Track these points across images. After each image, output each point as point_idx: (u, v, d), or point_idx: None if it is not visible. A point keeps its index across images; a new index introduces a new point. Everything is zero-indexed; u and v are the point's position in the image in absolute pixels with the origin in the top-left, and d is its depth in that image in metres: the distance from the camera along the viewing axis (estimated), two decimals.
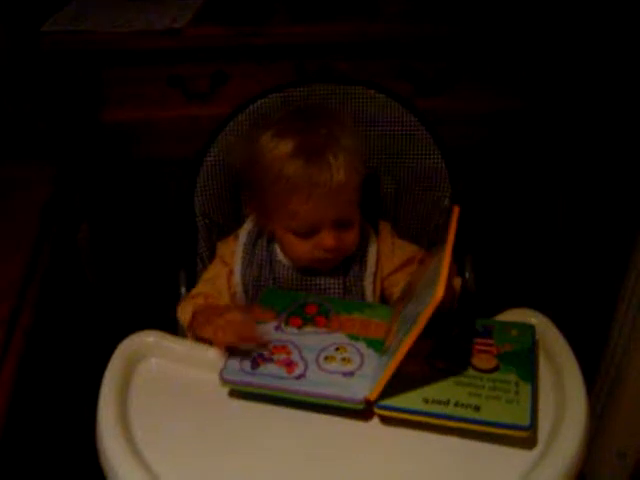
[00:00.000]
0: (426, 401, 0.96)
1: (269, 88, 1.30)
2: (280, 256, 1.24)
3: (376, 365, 1.03)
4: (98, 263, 1.80)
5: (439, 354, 1.05)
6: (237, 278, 1.24)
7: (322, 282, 1.23)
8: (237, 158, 1.25)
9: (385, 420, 0.98)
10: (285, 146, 1.13)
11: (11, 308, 1.24)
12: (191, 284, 1.28)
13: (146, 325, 1.10)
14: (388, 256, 1.27)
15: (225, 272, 1.25)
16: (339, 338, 1.09)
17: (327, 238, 1.15)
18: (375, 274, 1.25)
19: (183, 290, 1.28)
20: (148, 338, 1.08)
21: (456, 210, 1.10)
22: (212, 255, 1.30)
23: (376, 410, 0.97)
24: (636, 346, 1.50)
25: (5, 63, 1.64)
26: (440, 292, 0.91)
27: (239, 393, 1.02)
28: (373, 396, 0.97)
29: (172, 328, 1.20)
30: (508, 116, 1.67)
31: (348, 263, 1.24)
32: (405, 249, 1.29)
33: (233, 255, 1.25)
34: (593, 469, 1.62)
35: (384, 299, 1.27)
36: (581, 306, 1.66)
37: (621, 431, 1.57)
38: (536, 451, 0.94)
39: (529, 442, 0.94)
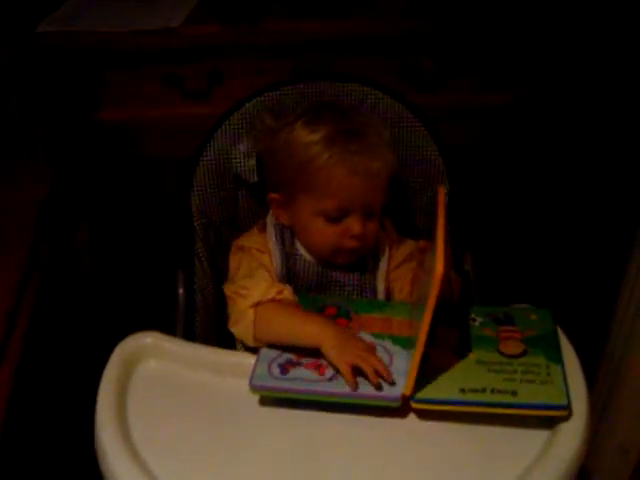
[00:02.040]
0: (463, 391, 0.97)
1: (265, 86, 1.29)
2: (301, 250, 1.24)
3: (405, 360, 1.03)
4: (96, 263, 1.80)
5: (466, 344, 1.05)
6: (277, 263, 1.23)
7: (340, 278, 1.24)
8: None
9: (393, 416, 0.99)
10: (323, 130, 1.14)
11: (9, 309, 1.24)
12: (189, 284, 1.27)
13: (144, 326, 1.10)
14: (393, 252, 1.28)
15: (266, 258, 1.23)
16: (364, 337, 1.09)
17: (355, 224, 1.16)
18: (387, 270, 1.26)
19: (181, 291, 1.27)
20: (146, 339, 1.07)
21: (442, 190, 1.10)
22: (210, 255, 1.30)
23: (413, 404, 0.97)
24: (637, 341, 1.50)
25: (1, 63, 1.63)
26: (440, 267, 0.91)
27: (237, 394, 1.01)
28: (407, 391, 0.97)
29: (170, 329, 1.20)
30: (506, 111, 1.67)
31: (363, 259, 1.24)
32: (406, 244, 1.30)
33: (266, 244, 1.24)
34: (595, 465, 1.62)
35: (388, 294, 1.27)
36: (581, 302, 1.66)
37: (623, 427, 1.57)
38: (538, 447, 0.94)
39: (531, 437, 0.95)
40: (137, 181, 1.73)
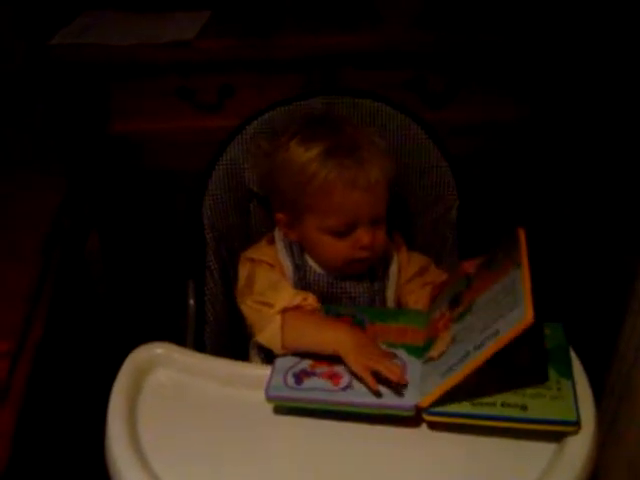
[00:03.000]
0: (473, 404, 0.97)
1: (277, 101, 1.30)
2: (311, 262, 1.24)
3: (419, 371, 1.04)
4: (107, 274, 1.81)
5: None
6: (289, 275, 1.23)
7: (351, 288, 1.24)
8: (259, 170, 1.27)
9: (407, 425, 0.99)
10: (317, 147, 1.15)
11: (21, 319, 1.25)
12: (200, 295, 1.28)
13: (155, 336, 1.10)
14: (404, 265, 1.29)
15: (278, 271, 1.23)
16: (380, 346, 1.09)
17: (364, 235, 1.16)
18: (397, 283, 1.27)
19: (192, 301, 1.28)
20: (157, 350, 1.08)
21: (522, 232, 1.10)
22: (221, 266, 1.30)
23: (425, 416, 0.98)
24: None
25: (17, 75, 1.65)
26: (530, 316, 0.92)
27: (248, 405, 1.02)
28: (426, 403, 0.97)
29: (181, 340, 1.21)
30: (512, 126, 1.68)
31: (373, 271, 1.25)
32: (418, 259, 1.31)
33: (276, 256, 1.25)
34: (603, 479, 1.61)
35: (399, 307, 1.28)
36: (589, 315, 1.66)
37: (632, 441, 1.56)
38: (545, 460, 0.93)
39: (539, 451, 0.94)
40: (148, 192, 1.74)
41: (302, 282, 1.23)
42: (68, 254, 1.56)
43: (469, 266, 1.16)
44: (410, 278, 1.28)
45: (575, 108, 1.66)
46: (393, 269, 1.27)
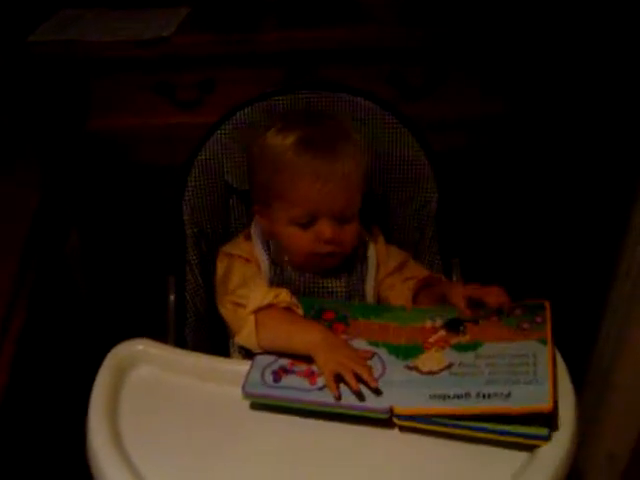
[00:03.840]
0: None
1: (256, 95, 1.30)
2: (287, 257, 1.24)
3: (400, 373, 1.03)
4: (87, 270, 1.80)
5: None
6: (265, 271, 1.23)
7: (328, 283, 1.24)
8: (237, 163, 1.28)
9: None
10: (292, 137, 1.15)
11: (1, 316, 1.24)
12: (180, 291, 1.28)
13: (136, 333, 1.10)
14: (384, 260, 1.29)
15: (255, 267, 1.23)
16: (359, 344, 1.09)
17: (327, 228, 1.16)
18: (375, 277, 1.27)
19: (172, 297, 1.28)
20: (138, 346, 1.08)
21: (548, 306, 1.11)
22: (201, 261, 1.30)
23: (396, 420, 0.97)
24: (624, 348, 1.51)
25: None
26: (551, 406, 0.92)
27: (229, 400, 1.02)
28: (402, 412, 0.97)
29: (162, 336, 1.20)
30: (494, 120, 1.68)
31: (351, 266, 1.25)
32: (397, 253, 1.31)
33: (253, 252, 1.25)
34: (584, 470, 1.62)
35: (378, 302, 1.28)
36: (569, 309, 1.67)
37: (611, 433, 1.58)
38: (524, 455, 0.93)
39: (518, 446, 0.94)
40: (128, 188, 1.74)
41: (279, 278, 1.23)
42: (48, 252, 1.55)
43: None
44: (390, 273, 1.28)
45: (558, 102, 1.66)
46: (371, 264, 1.27)
